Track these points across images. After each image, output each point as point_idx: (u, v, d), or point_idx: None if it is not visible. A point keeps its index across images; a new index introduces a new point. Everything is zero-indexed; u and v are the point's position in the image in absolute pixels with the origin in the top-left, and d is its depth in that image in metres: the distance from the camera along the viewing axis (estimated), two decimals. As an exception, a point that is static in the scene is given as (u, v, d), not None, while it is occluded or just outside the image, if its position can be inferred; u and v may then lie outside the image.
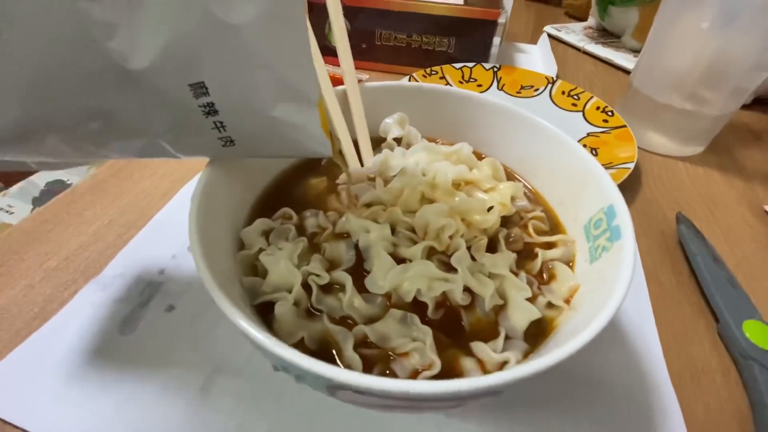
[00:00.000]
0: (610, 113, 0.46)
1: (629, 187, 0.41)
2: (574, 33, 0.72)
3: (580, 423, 0.23)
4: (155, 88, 0.16)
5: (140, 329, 0.26)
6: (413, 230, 0.22)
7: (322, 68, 0.25)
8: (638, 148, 0.44)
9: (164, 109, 0.17)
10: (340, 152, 0.26)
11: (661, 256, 0.34)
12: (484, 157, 0.27)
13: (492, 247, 0.22)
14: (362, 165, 0.26)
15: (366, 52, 0.56)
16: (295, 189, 0.26)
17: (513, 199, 0.24)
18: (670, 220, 0.38)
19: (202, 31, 0.15)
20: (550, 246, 0.23)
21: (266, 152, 0.19)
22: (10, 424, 0.22)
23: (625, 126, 0.44)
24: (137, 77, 0.15)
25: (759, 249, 0.36)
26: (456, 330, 0.19)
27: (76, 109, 0.16)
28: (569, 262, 0.22)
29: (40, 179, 1.66)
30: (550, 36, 0.71)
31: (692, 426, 0.24)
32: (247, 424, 0.22)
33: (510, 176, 0.28)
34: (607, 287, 0.16)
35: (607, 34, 0.72)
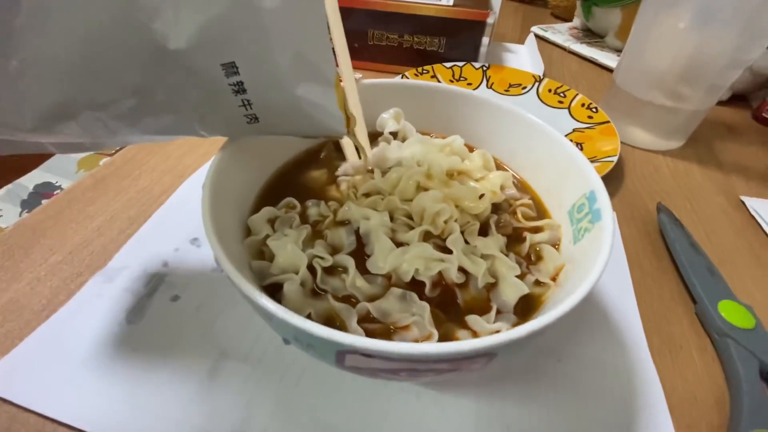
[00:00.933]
0: (594, 110, 0.48)
1: (612, 180, 0.43)
2: (560, 33, 0.74)
3: (567, 397, 0.25)
4: (190, 67, 0.17)
5: (147, 318, 0.27)
6: (410, 217, 0.23)
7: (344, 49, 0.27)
8: (621, 143, 0.46)
9: (197, 87, 0.18)
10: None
11: (643, 243, 0.36)
12: (475, 150, 0.29)
13: (483, 232, 0.23)
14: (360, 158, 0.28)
15: (359, 52, 0.57)
16: (297, 180, 0.27)
17: (502, 187, 0.25)
18: (651, 211, 0.39)
19: (235, 14, 0.16)
20: (537, 230, 0.24)
21: (286, 129, 0.21)
22: (23, 408, 0.23)
23: (608, 122, 0.46)
24: (175, 57, 0.16)
25: (735, 236, 0.38)
26: (452, 307, 0.20)
27: (115, 86, 0.17)
28: (555, 245, 0.23)
29: (28, 182, 1.63)
30: (536, 36, 0.73)
31: (671, 398, 0.25)
32: (254, 404, 0.23)
33: (500, 167, 0.29)
34: (589, 262, 0.18)
35: (591, 35, 0.75)
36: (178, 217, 0.34)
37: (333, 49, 0.28)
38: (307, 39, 0.18)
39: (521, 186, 0.28)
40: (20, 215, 1.27)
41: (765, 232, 0.38)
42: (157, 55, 0.16)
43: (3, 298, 0.28)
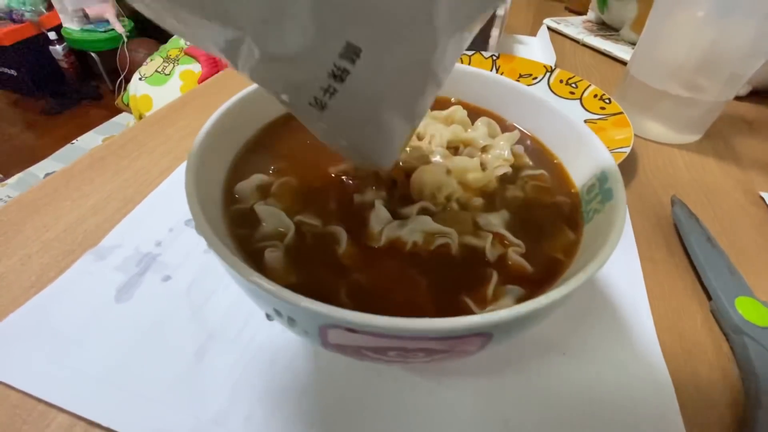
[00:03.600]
0: (607, 101, 0.47)
1: (625, 172, 0.41)
2: (573, 26, 0.72)
3: (571, 392, 0.23)
4: (316, 15, 0.13)
5: (136, 297, 0.27)
6: (409, 196, 0.22)
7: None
8: (636, 136, 0.44)
9: (299, 34, 0.14)
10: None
11: (656, 237, 0.34)
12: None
13: (489, 207, 0.22)
14: None
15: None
16: (282, 142, 0.25)
17: (514, 154, 0.24)
18: (666, 204, 0.38)
19: (412, 10, 0.14)
20: (548, 206, 0.23)
21: (333, 136, 0.18)
22: (5, 384, 0.22)
23: (621, 113, 0.44)
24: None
25: (753, 231, 0.36)
26: (451, 282, 0.19)
27: None
28: (568, 222, 0.22)
29: (39, 170, 1.66)
30: (549, 29, 0.71)
31: (683, 396, 0.24)
32: (240, 387, 0.22)
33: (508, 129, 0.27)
34: (599, 241, 0.17)
35: (606, 28, 0.73)
36: (174, 198, 0.34)
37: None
38: (438, 73, 0.16)
39: (539, 151, 0.26)
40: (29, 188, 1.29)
41: (786, 229, 0.36)
42: None
43: (-8, 274, 0.27)
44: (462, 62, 0.53)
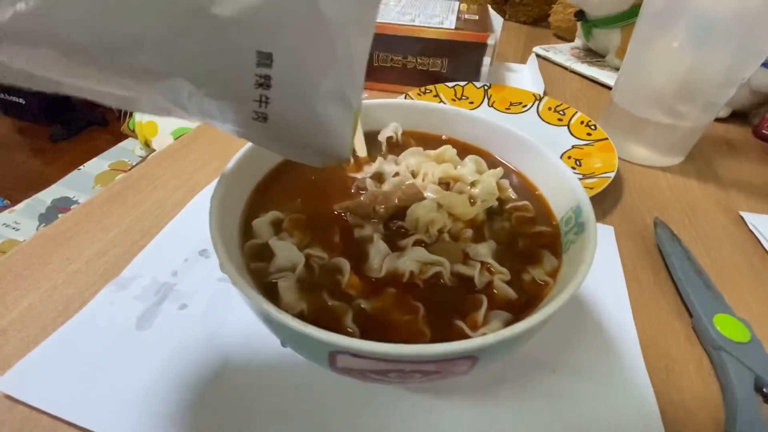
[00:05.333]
0: (593, 127, 0.49)
1: (611, 195, 0.44)
2: (561, 53, 0.76)
3: (561, 408, 0.25)
4: (224, 39, 0.15)
5: (156, 325, 0.29)
6: (405, 228, 0.24)
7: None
8: (621, 159, 0.47)
9: (219, 62, 0.15)
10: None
11: (640, 258, 0.37)
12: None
13: (479, 238, 0.24)
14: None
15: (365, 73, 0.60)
16: (289, 181, 0.27)
17: (501, 189, 0.26)
18: (650, 226, 0.40)
19: (297, 7, 0.15)
20: (532, 236, 0.25)
21: (287, 141, 0.19)
22: (37, 409, 0.24)
23: (606, 139, 0.47)
24: (211, 21, 0.14)
25: (733, 251, 0.38)
26: (446, 307, 0.21)
27: (131, 29, 0.14)
28: (549, 250, 0.24)
29: (46, 196, 1.68)
30: (538, 56, 0.75)
31: (666, 411, 0.25)
32: (255, 409, 0.24)
33: (494, 164, 0.29)
34: (572, 271, 0.19)
35: (592, 54, 0.76)
36: (188, 230, 0.36)
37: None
38: (351, 61, 0.17)
39: (522, 186, 0.28)
40: (37, 229, 1.31)
41: (764, 248, 0.38)
42: (191, 11, 0.14)
43: (21, 305, 0.30)
44: (456, 92, 0.57)
